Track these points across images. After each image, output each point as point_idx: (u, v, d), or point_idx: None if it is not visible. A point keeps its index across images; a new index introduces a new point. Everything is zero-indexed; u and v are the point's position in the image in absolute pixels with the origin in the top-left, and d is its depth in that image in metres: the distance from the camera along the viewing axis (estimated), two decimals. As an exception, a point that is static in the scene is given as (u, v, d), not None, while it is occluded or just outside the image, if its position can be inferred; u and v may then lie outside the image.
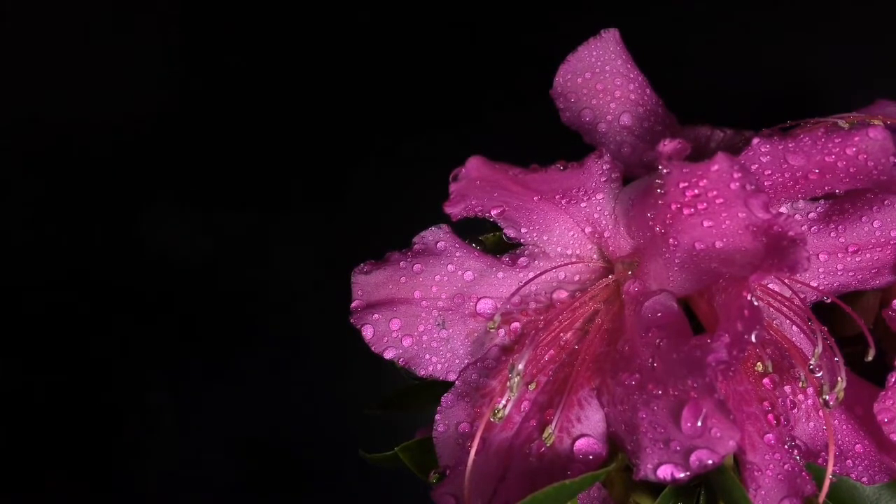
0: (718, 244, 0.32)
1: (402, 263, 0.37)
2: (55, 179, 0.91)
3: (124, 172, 0.91)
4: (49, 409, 0.91)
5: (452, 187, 0.33)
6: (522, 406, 0.36)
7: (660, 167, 0.32)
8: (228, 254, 0.92)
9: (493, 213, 0.36)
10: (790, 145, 0.35)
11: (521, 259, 0.37)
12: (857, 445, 0.36)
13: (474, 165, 0.32)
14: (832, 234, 0.37)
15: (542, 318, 0.37)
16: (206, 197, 0.92)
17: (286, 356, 0.92)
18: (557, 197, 0.35)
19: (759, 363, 0.36)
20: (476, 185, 0.33)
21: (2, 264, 0.91)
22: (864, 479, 0.36)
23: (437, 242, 0.37)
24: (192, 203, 0.92)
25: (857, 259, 0.37)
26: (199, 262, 0.92)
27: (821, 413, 0.36)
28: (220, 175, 0.92)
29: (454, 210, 0.35)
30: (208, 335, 0.92)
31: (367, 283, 0.37)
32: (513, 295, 0.37)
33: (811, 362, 0.34)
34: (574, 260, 0.37)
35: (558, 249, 0.37)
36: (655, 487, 0.37)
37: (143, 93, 0.91)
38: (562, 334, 0.37)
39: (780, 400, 0.36)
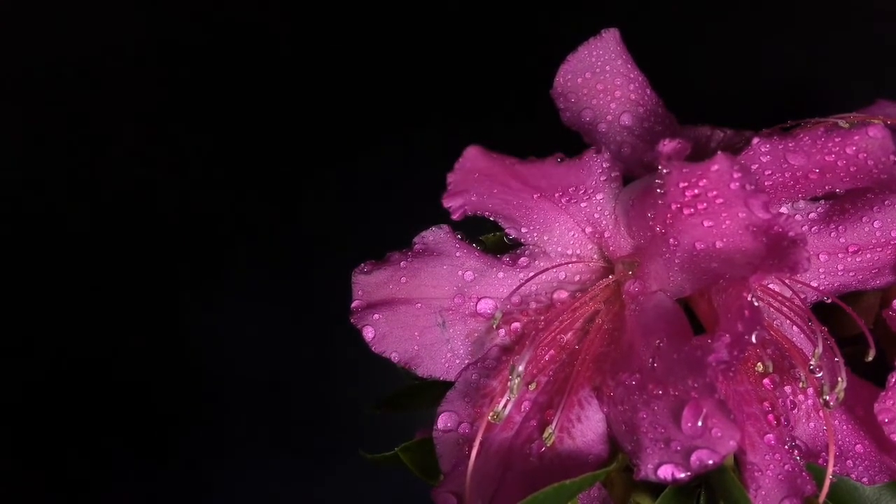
0: (719, 244, 0.32)
1: (402, 263, 0.37)
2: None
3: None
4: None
5: (450, 178, 0.33)
6: (523, 406, 0.36)
7: (660, 167, 0.32)
8: (225, 250, 0.92)
9: (493, 211, 0.36)
10: (790, 145, 0.35)
11: (522, 259, 0.37)
12: (858, 446, 0.36)
13: (472, 155, 0.32)
14: (832, 234, 0.37)
15: (542, 318, 0.37)
16: (203, 192, 0.92)
17: (286, 356, 0.92)
18: (557, 195, 0.35)
19: (759, 363, 0.36)
20: (474, 177, 0.33)
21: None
22: (865, 480, 0.36)
23: (438, 242, 0.37)
24: (193, 196, 0.92)
25: (857, 259, 0.36)
26: (198, 262, 0.92)
27: (821, 413, 0.36)
28: (217, 170, 0.92)
29: (453, 203, 0.34)
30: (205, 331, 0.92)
31: (367, 284, 0.37)
32: (512, 294, 0.37)
33: (811, 363, 0.34)
34: (574, 260, 0.37)
35: (559, 249, 0.37)
36: (656, 488, 0.37)
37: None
38: (562, 334, 0.37)
39: (780, 400, 0.36)
